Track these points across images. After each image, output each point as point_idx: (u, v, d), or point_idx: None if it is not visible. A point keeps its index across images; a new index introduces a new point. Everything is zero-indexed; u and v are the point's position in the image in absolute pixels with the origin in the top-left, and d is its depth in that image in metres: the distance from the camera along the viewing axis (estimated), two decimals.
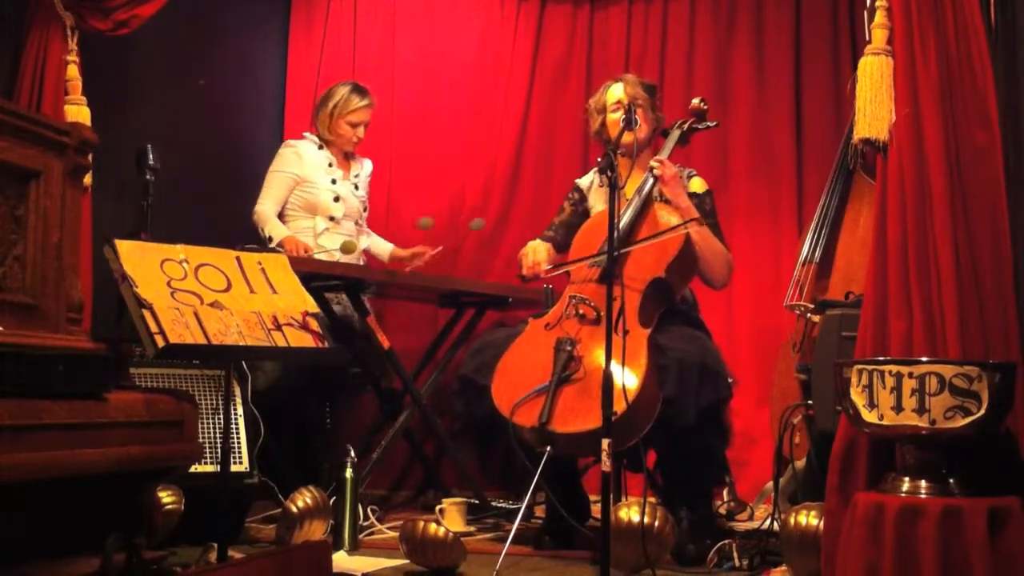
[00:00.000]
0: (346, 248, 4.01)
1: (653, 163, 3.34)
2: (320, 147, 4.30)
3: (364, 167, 4.44)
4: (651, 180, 3.34)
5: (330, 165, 4.28)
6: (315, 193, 4.21)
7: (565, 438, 2.90)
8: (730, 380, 3.17)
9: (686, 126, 3.48)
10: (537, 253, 3.40)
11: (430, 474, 4.51)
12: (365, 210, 4.43)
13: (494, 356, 3.21)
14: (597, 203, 3.61)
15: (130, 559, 2.28)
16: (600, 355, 2.97)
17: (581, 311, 3.15)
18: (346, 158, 4.37)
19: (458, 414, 3.37)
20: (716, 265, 3.35)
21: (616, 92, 3.56)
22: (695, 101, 3.50)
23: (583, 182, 3.69)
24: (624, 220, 3.28)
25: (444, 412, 4.16)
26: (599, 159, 3.09)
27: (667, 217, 3.27)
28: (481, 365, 3.24)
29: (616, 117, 3.50)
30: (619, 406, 2.64)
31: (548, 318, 3.24)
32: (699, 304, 3.56)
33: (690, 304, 3.50)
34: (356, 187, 4.35)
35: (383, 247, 4.52)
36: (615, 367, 2.60)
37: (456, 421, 3.49)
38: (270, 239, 4.09)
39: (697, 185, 3.48)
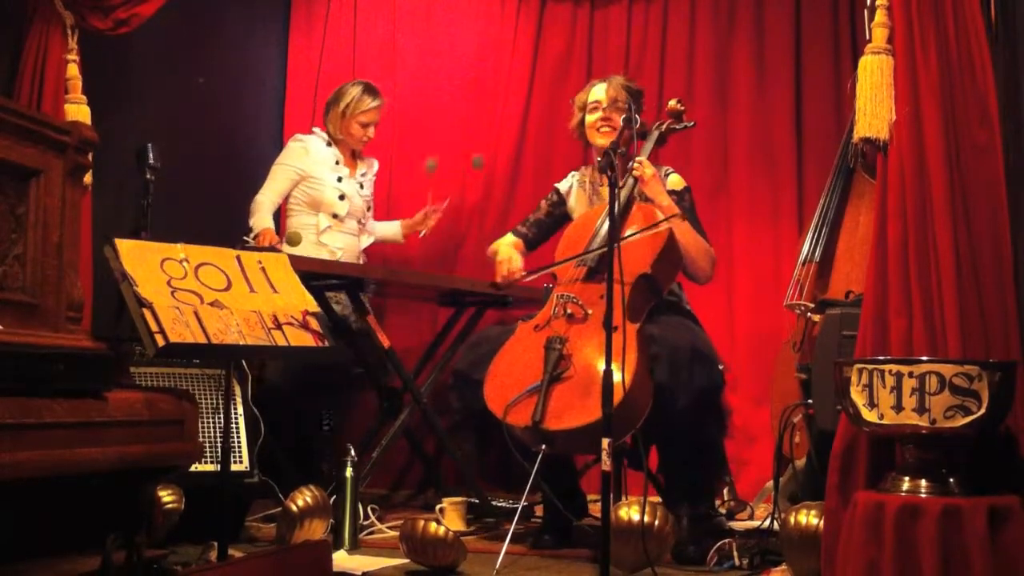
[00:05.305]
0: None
1: (633, 164, 3.35)
2: (328, 144, 4.30)
3: (371, 167, 4.45)
4: (631, 181, 3.35)
5: (337, 163, 4.28)
6: (320, 190, 4.22)
7: (559, 435, 2.91)
8: (721, 367, 3.20)
9: (664, 127, 3.50)
10: (512, 262, 3.44)
11: (430, 473, 4.51)
12: (369, 209, 4.43)
13: (489, 352, 3.23)
14: (577, 207, 3.63)
15: (130, 558, 2.29)
16: (589, 352, 3.02)
17: (569, 310, 3.17)
18: (353, 157, 4.38)
19: (454, 408, 3.39)
20: (699, 259, 3.37)
21: (597, 92, 3.57)
22: (672, 102, 3.51)
23: (562, 186, 3.72)
24: (607, 222, 3.30)
25: (444, 411, 4.15)
26: (598, 158, 3.10)
27: (650, 215, 3.29)
28: (476, 360, 3.26)
29: (593, 119, 3.53)
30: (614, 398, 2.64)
31: (537, 320, 3.26)
32: (687, 297, 3.57)
33: (677, 296, 3.51)
34: (361, 186, 4.35)
35: (392, 228, 4.54)
36: (606, 363, 2.61)
37: (454, 415, 3.49)
38: (251, 229, 4.08)
39: (675, 182, 3.50)
